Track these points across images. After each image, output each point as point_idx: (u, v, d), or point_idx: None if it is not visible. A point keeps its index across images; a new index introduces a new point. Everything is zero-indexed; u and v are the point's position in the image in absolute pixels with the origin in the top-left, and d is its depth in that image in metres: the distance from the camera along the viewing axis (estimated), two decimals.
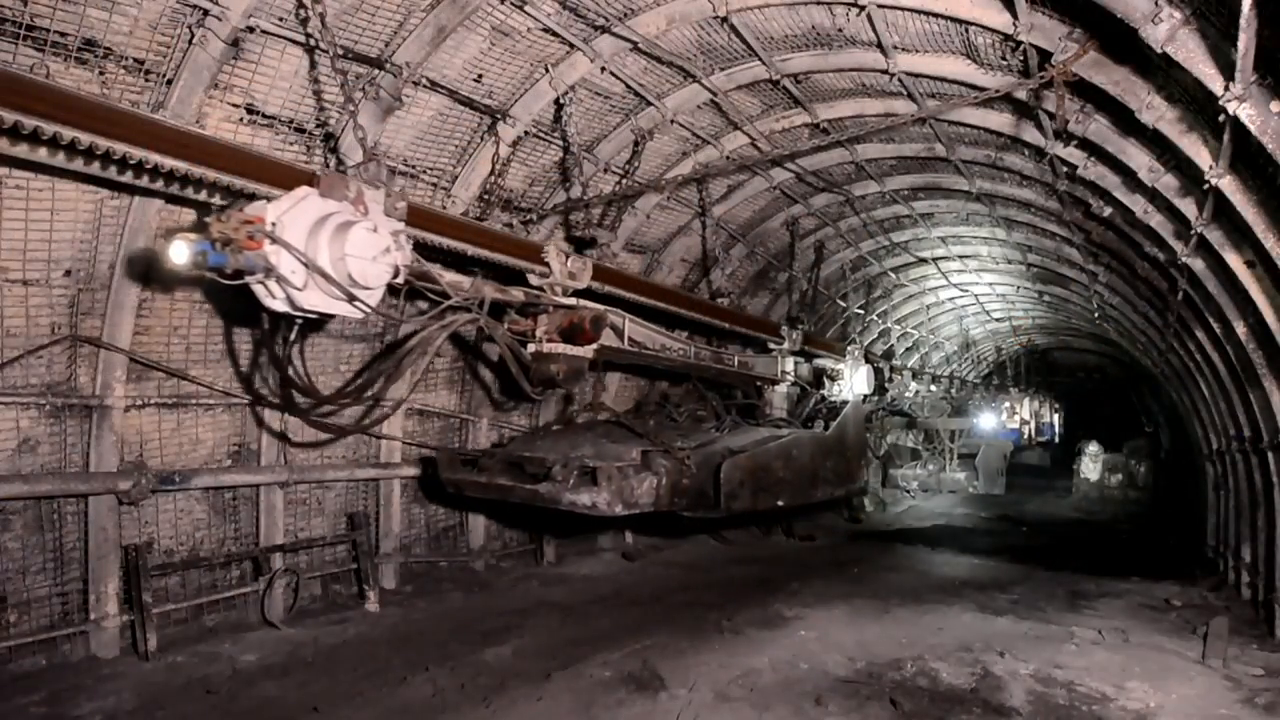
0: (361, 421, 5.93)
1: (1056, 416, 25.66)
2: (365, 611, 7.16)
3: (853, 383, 8.94)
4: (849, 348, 9.37)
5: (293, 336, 3.91)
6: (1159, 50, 4.11)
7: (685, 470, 5.33)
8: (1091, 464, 22.08)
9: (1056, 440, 25.57)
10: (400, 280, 3.73)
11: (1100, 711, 5.20)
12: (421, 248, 4.28)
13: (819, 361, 9.04)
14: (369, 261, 3.45)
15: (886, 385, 12.35)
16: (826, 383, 8.93)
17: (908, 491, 18.00)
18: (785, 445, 6.56)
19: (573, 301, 5.23)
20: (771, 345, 8.38)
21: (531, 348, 5.09)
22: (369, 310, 3.55)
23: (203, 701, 5.17)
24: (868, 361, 9.41)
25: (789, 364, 8.37)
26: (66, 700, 5.05)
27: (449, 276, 4.23)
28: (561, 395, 9.02)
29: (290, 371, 4.05)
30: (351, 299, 3.44)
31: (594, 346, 5.28)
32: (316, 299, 3.39)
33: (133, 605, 5.85)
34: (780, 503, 6.51)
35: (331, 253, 3.35)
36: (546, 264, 5.12)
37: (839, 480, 7.57)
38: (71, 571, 5.74)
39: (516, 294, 4.96)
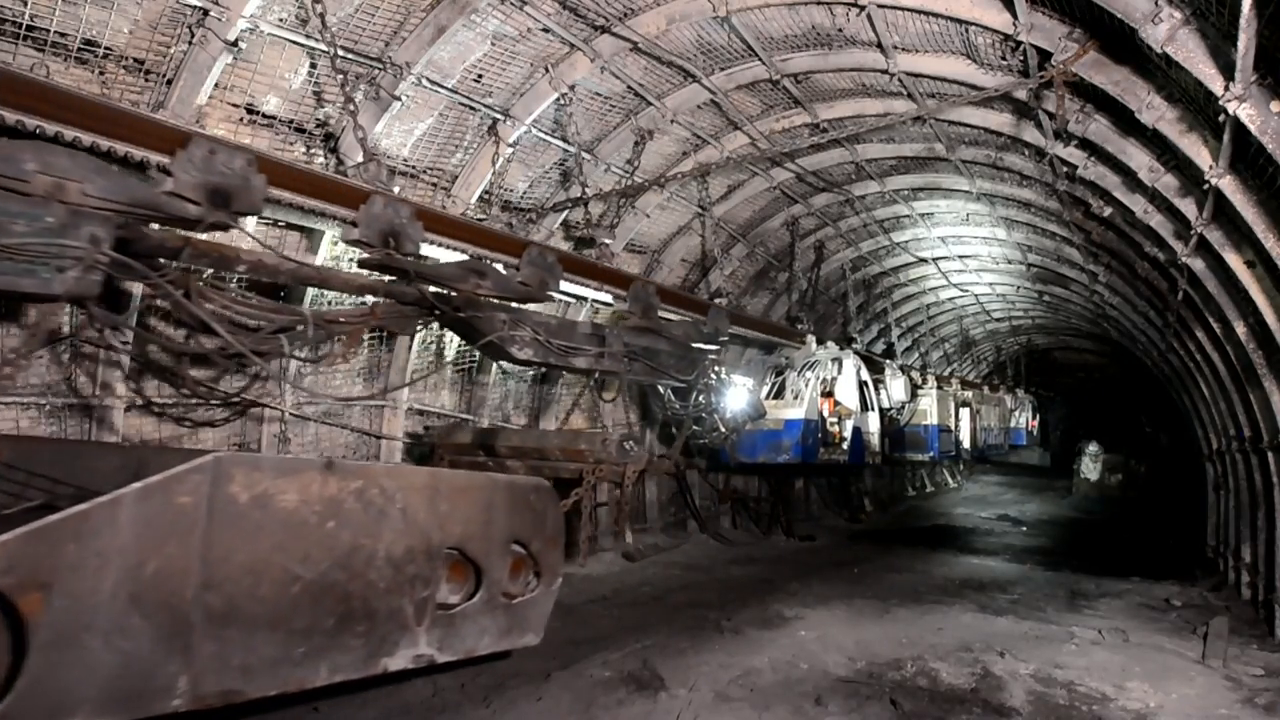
0: None
1: (1027, 416, 22.60)
2: None
3: None
4: None
5: None
6: (1159, 50, 4.12)
7: None
8: (1091, 464, 22.09)
9: (1040, 444, 22.98)
10: None
11: (1100, 711, 5.20)
12: None
13: None
14: None
15: None
16: None
17: None
18: None
19: None
20: None
21: None
22: None
23: None
24: None
25: None
26: None
27: None
28: None
29: None
30: None
31: None
32: None
33: None
34: None
35: None
36: None
37: None
38: None
39: None
